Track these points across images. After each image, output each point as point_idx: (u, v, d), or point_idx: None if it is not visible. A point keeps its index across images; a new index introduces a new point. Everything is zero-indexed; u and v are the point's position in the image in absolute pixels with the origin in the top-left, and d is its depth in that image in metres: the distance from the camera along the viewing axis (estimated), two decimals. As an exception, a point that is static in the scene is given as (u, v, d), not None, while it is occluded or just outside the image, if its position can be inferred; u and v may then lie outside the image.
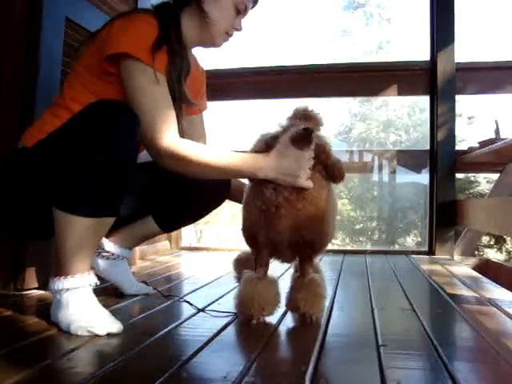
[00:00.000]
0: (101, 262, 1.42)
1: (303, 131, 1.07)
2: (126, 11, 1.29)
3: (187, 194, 1.45)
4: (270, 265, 1.19)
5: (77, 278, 1.05)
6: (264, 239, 1.12)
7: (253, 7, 1.32)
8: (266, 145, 1.14)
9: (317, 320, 1.14)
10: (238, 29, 1.30)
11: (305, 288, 1.15)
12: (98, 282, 1.11)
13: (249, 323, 1.12)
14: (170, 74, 1.19)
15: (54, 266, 1.10)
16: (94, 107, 1.07)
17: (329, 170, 1.12)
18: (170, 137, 1.11)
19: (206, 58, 1.48)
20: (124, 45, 1.11)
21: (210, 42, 1.30)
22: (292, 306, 1.17)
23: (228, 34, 1.30)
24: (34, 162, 1.15)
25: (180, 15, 1.26)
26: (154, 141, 1.11)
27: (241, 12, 1.28)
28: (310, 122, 1.14)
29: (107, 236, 1.43)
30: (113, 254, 1.43)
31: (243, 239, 1.19)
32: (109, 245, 1.43)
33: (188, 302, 1.32)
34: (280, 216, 1.07)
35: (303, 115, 1.15)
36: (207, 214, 1.55)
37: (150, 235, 1.54)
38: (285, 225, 1.08)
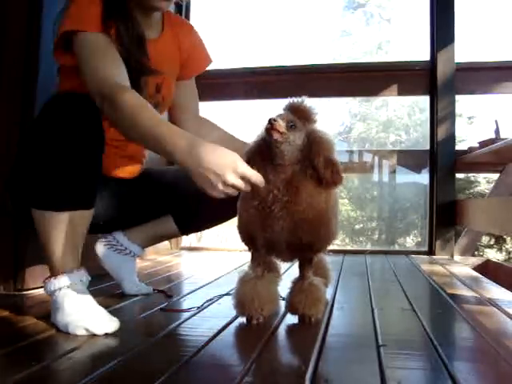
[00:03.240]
0: (110, 254, 1.42)
1: (268, 124, 1.03)
2: None
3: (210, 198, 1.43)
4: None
5: (65, 275, 1.06)
6: (260, 239, 1.11)
7: None
8: (258, 148, 1.11)
9: (316, 320, 1.14)
10: None
11: (304, 292, 1.14)
12: (90, 278, 1.11)
13: (249, 323, 1.12)
14: (119, 42, 1.15)
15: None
16: (54, 100, 1.08)
17: (317, 170, 1.04)
18: (114, 79, 1.05)
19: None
20: (66, 25, 1.11)
21: (152, 6, 1.21)
22: (291, 308, 1.17)
23: None
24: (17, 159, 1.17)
25: None
26: (93, 85, 1.05)
27: None
28: (300, 116, 1.08)
29: (123, 231, 1.44)
30: (126, 249, 1.43)
31: (239, 237, 1.17)
32: (123, 239, 1.44)
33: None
34: (275, 217, 1.06)
35: (291, 108, 1.09)
36: (227, 220, 1.49)
37: (166, 236, 1.54)
38: (280, 226, 1.06)
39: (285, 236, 1.08)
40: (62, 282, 1.06)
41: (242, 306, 1.13)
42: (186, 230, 1.52)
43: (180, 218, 1.47)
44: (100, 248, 1.42)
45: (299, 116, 1.07)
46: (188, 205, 1.45)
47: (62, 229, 1.05)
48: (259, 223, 1.08)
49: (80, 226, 1.10)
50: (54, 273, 1.08)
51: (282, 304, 1.19)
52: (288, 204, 1.05)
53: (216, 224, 1.53)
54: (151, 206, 1.47)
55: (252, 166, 1.08)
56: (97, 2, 1.13)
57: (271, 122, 1.03)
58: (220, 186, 0.92)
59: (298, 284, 1.17)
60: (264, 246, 1.12)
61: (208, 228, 1.57)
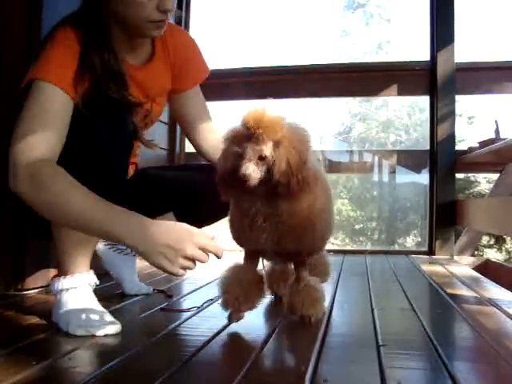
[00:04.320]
0: (110, 254, 1.42)
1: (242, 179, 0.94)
2: (55, 26, 1.11)
3: (211, 192, 1.43)
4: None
5: (75, 277, 1.06)
6: (248, 250, 1.12)
7: None
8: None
9: (317, 320, 1.13)
10: (166, 9, 1.06)
11: (301, 293, 1.12)
12: (98, 282, 1.11)
13: (236, 321, 1.11)
14: (93, 77, 1.06)
15: (56, 267, 1.11)
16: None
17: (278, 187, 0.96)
18: (34, 154, 0.93)
19: (206, 58, 1.45)
20: (33, 73, 1.02)
21: (141, 35, 1.14)
22: (290, 310, 1.15)
23: (155, 21, 1.08)
24: None
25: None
26: (13, 156, 0.93)
27: None
28: (264, 130, 0.94)
29: None
30: (126, 248, 1.43)
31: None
32: None
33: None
34: (259, 229, 1.04)
35: (253, 127, 0.94)
36: (226, 216, 1.50)
37: None
38: (264, 238, 1.05)
39: (270, 247, 1.06)
40: (70, 282, 1.05)
41: (225, 298, 1.10)
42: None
43: (182, 214, 1.46)
44: (101, 248, 1.42)
45: (264, 130, 0.94)
46: (189, 202, 1.45)
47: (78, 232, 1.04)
48: (246, 236, 1.08)
49: None
50: (63, 272, 1.07)
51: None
52: (270, 216, 1.03)
53: (217, 220, 1.53)
54: (151, 205, 1.46)
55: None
56: (73, 51, 1.05)
57: (244, 179, 0.94)
58: (180, 261, 0.90)
59: (293, 286, 1.15)
60: (254, 253, 1.13)
61: (210, 224, 1.57)
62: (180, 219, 1.46)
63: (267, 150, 0.95)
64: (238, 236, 1.12)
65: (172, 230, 0.91)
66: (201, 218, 1.50)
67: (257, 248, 1.10)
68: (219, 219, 1.52)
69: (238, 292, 1.09)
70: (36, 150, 0.94)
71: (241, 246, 1.14)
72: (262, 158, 0.95)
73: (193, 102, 1.40)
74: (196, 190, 1.44)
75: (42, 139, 0.95)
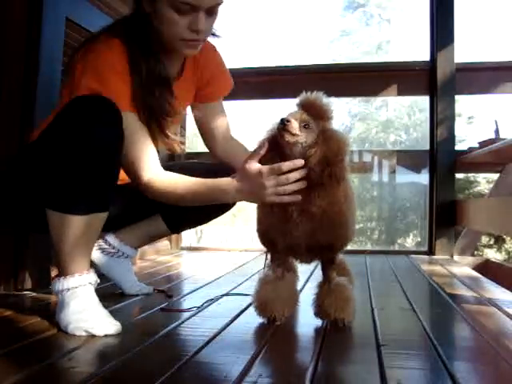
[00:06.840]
0: (104, 258, 1.42)
1: (280, 124, 1.01)
2: (94, 34, 1.21)
3: None
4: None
5: (76, 277, 1.06)
6: (281, 243, 1.10)
7: (219, 3, 1.12)
8: (271, 139, 1.08)
9: (346, 322, 1.10)
10: (197, 29, 1.11)
11: (332, 294, 1.11)
12: (99, 280, 1.11)
13: (272, 324, 1.12)
14: (139, 85, 1.14)
15: (55, 266, 1.11)
16: (72, 104, 1.05)
17: (312, 170, 1.02)
18: (147, 174, 1.15)
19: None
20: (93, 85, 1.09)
21: (176, 51, 1.21)
22: (322, 313, 1.13)
23: (187, 40, 1.14)
24: (26, 161, 1.15)
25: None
26: (136, 178, 1.17)
27: (183, 12, 1.09)
28: (314, 114, 1.03)
29: (114, 232, 1.43)
30: (118, 251, 1.43)
31: (259, 241, 1.17)
32: (115, 241, 1.43)
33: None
34: (294, 222, 1.05)
35: (305, 105, 1.05)
36: (216, 217, 1.51)
37: (157, 235, 1.53)
38: (300, 231, 1.05)
39: (304, 239, 1.07)
40: (71, 282, 1.05)
41: (264, 307, 1.12)
42: (175, 228, 1.52)
43: (169, 216, 1.47)
44: (94, 253, 1.41)
45: (313, 114, 1.03)
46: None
47: (76, 230, 1.04)
48: (279, 229, 1.08)
49: (95, 229, 1.09)
50: (63, 273, 1.07)
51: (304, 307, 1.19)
52: (308, 207, 1.04)
53: (204, 222, 1.55)
54: (140, 207, 1.45)
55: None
56: (125, 62, 1.14)
57: (284, 122, 1.00)
58: (269, 191, 1.04)
59: (323, 287, 1.14)
60: (284, 249, 1.11)
61: (197, 226, 1.60)
62: (168, 221, 1.46)
63: (312, 123, 1.02)
64: (270, 230, 1.10)
65: (245, 182, 1.07)
66: (190, 218, 1.50)
67: (289, 242, 1.08)
68: (210, 219, 1.53)
69: (278, 311, 1.11)
70: (149, 168, 1.16)
71: (269, 241, 1.13)
72: (306, 127, 1.02)
73: (215, 112, 1.45)
74: None
75: (147, 158, 1.17)
